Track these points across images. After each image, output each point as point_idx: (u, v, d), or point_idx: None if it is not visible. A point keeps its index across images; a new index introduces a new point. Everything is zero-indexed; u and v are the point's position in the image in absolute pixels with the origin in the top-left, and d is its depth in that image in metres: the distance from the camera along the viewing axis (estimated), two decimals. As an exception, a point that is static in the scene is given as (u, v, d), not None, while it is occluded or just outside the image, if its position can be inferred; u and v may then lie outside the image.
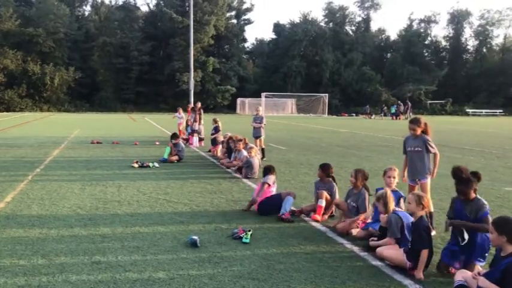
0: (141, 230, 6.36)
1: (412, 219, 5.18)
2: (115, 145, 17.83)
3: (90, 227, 6.48)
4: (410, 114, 53.32)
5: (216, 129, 15.74)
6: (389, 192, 5.66)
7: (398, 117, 51.50)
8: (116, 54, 64.83)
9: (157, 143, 18.19)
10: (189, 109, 21.57)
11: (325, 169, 7.32)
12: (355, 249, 5.65)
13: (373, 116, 55.84)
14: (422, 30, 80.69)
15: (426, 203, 5.10)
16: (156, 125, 32.80)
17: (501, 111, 66.40)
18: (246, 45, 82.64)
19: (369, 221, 6.30)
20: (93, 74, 65.58)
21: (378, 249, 5.26)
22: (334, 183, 7.30)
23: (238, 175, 11.06)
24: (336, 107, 66.29)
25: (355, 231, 6.14)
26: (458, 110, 68.28)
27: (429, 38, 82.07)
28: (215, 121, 16.17)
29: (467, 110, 67.82)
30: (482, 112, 66.19)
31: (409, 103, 55.43)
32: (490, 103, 69.92)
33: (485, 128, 33.69)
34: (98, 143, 18.33)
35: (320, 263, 5.15)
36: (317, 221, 6.87)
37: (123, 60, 64.65)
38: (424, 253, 4.78)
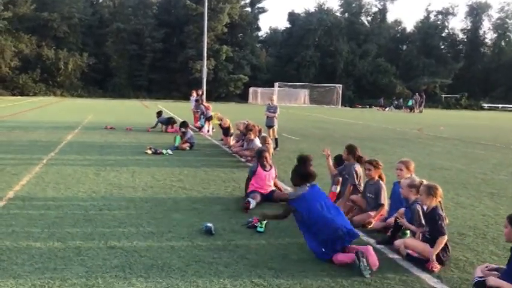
0: (155, 216, 6.35)
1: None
2: (128, 131, 17.87)
3: (105, 211, 6.48)
4: (423, 107, 52.69)
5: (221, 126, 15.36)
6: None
7: (412, 110, 50.98)
8: (129, 41, 64.93)
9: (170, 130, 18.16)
10: (195, 94, 21.64)
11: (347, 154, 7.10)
12: (372, 241, 5.57)
13: (387, 109, 55.35)
14: (439, 22, 79.50)
15: (438, 193, 4.99)
16: (169, 112, 32.76)
17: (518, 106, 65.36)
18: (259, 34, 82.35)
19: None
20: (106, 60, 65.80)
21: (399, 241, 5.19)
22: (355, 165, 6.86)
23: (251, 164, 10.97)
24: (349, 98, 65.76)
25: (372, 224, 6.05)
26: (474, 104, 67.28)
27: (446, 31, 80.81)
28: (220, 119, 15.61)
29: (483, 105, 66.83)
30: (498, 107, 65.15)
31: (424, 96, 54.69)
32: (507, 98, 68.76)
33: (502, 123, 33.21)
34: (111, 128, 18.38)
35: (336, 255, 5.09)
36: None
37: (136, 47, 64.77)
38: (441, 240, 4.72)
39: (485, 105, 66.62)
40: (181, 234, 5.60)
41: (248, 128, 12.12)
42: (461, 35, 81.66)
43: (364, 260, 4.51)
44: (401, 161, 6.37)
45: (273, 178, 7.73)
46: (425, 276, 4.55)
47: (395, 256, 5.08)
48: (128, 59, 65.30)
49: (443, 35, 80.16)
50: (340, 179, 6.98)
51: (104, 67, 65.54)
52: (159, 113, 19.03)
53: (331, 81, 64.91)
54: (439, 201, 5.03)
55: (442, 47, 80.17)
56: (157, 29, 65.75)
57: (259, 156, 7.71)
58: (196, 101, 20.82)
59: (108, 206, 6.79)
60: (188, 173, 9.61)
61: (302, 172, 5.21)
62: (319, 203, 4.99)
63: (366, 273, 4.47)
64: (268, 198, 7.35)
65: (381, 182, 6.33)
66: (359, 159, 6.92)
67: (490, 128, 27.56)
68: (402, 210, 5.49)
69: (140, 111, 34.13)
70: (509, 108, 64.12)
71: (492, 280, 3.97)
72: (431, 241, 4.81)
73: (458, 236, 5.81)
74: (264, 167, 7.59)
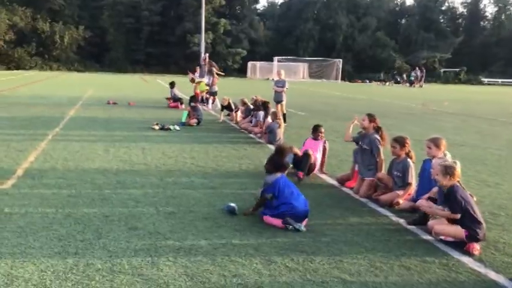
0: (173, 194, 6.09)
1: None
2: (131, 106, 17.50)
3: (121, 190, 6.22)
4: (423, 81, 52.20)
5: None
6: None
7: (412, 85, 50.59)
8: (126, 14, 63.66)
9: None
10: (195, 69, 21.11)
11: None
12: (402, 221, 5.35)
13: (387, 83, 54.88)
14: (440, -5, 78.39)
15: (456, 173, 4.72)
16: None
17: (517, 81, 65.00)
18: (257, 6, 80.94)
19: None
20: (103, 33, 64.66)
21: (432, 222, 4.97)
22: (375, 134, 6.77)
23: (262, 140, 10.74)
24: (348, 73, 65.06)
25: (400, 204, 5.82)
26: (473, 79, 66.81)
27: (446, 4, 79.91)
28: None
29: (483, 79, 66.38)
30: (498, 81, 64.72)
31: (424, 70, 54.10)
32: (506, 72, 68.33)
33: (504, 98, 32.94)
34: (113, 103, 18.00)
35: (368, 236, 4.87)
36: (351, 188, 6.69)
37: (133, 20, 63.54)
38: (450, 215, 4.60)
39: (485, 79, 66.17)
40: (202, 214, 5.36)
41: (257, 104, 11.82)
42: (461, 9, 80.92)
43: (292, 221, 4.91)
44: (429, 138, 6.09)
45: (317, 151, 7.65)
46: (467, 260, 4.33)
47: (430, 237, 4.86)
48: (124, 32, 64.13)
49: (443, 8, 79.21)
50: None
51: (100, 41, 64.46)
52: (172, 84, 18.66)
53: (330, 56, 64.14)
54: (458, 181, 4.77)
55: (442, 20, 79.24)
56: (155, 2, 64.36)
57: (315, 130, 7.89)
58: (209, 71, 19.45)
59: (123, 184, 6.52)
60: (200, 149, 9.32)
61: (278, 163, 5.43)
62: (290, 189, 5.24)
63: (301, 228, 4.89)
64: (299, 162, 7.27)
65: (408, 160, 6.08)
66: (378, 130, 6.71)
67: (492, 103, 27.29)
68: (435, 189, 5.24)
69: (140, 85, 33.60)
70: (509, 83, 63.74)
71: None
72: (454, 221, 4.62)
73: (490, 216, 5.59)
74: (315, 139, 7.83)
